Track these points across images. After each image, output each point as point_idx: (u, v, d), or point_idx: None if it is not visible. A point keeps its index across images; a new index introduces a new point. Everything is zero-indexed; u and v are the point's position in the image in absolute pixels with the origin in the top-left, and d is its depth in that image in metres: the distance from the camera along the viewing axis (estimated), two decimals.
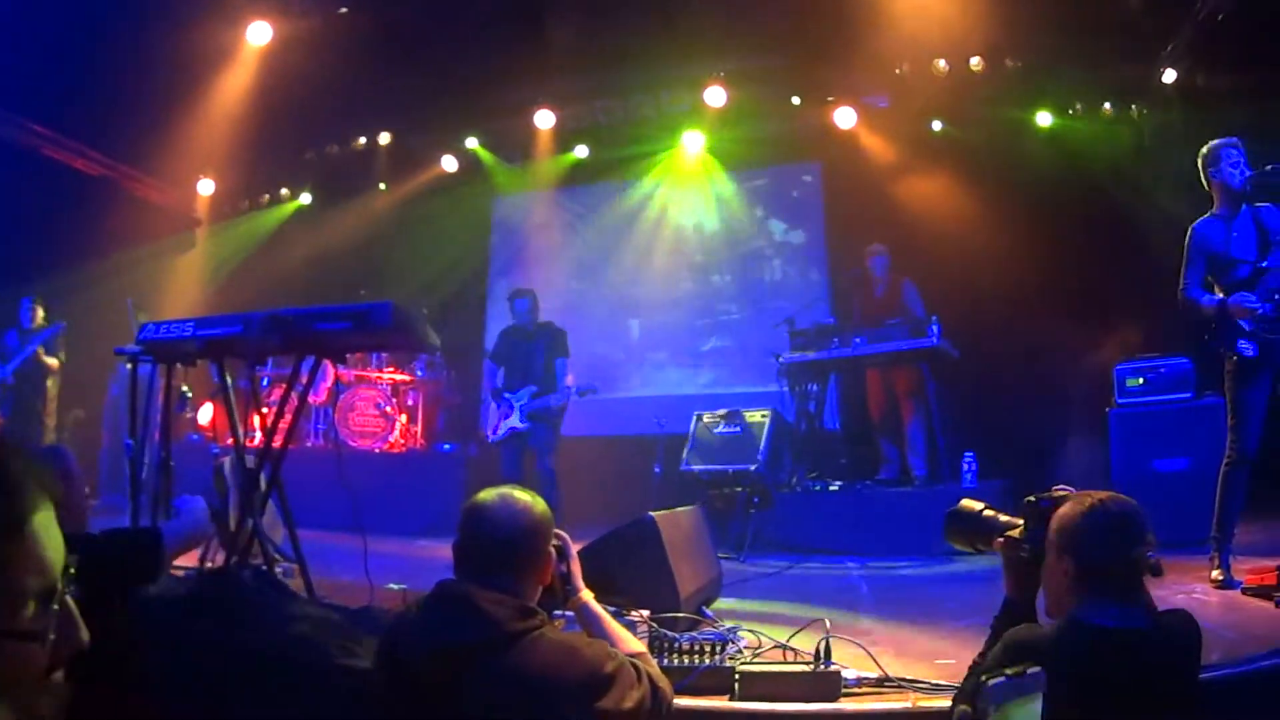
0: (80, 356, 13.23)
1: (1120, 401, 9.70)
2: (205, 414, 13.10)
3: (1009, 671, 1.36)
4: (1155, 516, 8.61)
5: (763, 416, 11.27)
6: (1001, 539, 3.68)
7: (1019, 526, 3.62)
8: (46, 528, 1.54)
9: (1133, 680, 2.96)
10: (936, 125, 14.00)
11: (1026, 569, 3.49)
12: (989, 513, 3.79)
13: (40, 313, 13.07)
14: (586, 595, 3.82)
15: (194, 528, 4.66)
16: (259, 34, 12.41)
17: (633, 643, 3.79)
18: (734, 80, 14.25)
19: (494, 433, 10.96)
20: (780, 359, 11.82)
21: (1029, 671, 1.38)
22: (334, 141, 15.83)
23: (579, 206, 16.95)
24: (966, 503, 3.90)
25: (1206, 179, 7.19)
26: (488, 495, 3.44)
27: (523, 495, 3.46)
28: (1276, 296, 6.76)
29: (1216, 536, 6.90)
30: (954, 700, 3.47)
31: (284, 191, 16.87)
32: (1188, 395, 9.39)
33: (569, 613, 3.90)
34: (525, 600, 3.29)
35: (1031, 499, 3.54)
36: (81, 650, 1.57)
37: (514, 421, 10.73)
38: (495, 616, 3.12)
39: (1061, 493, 3.47)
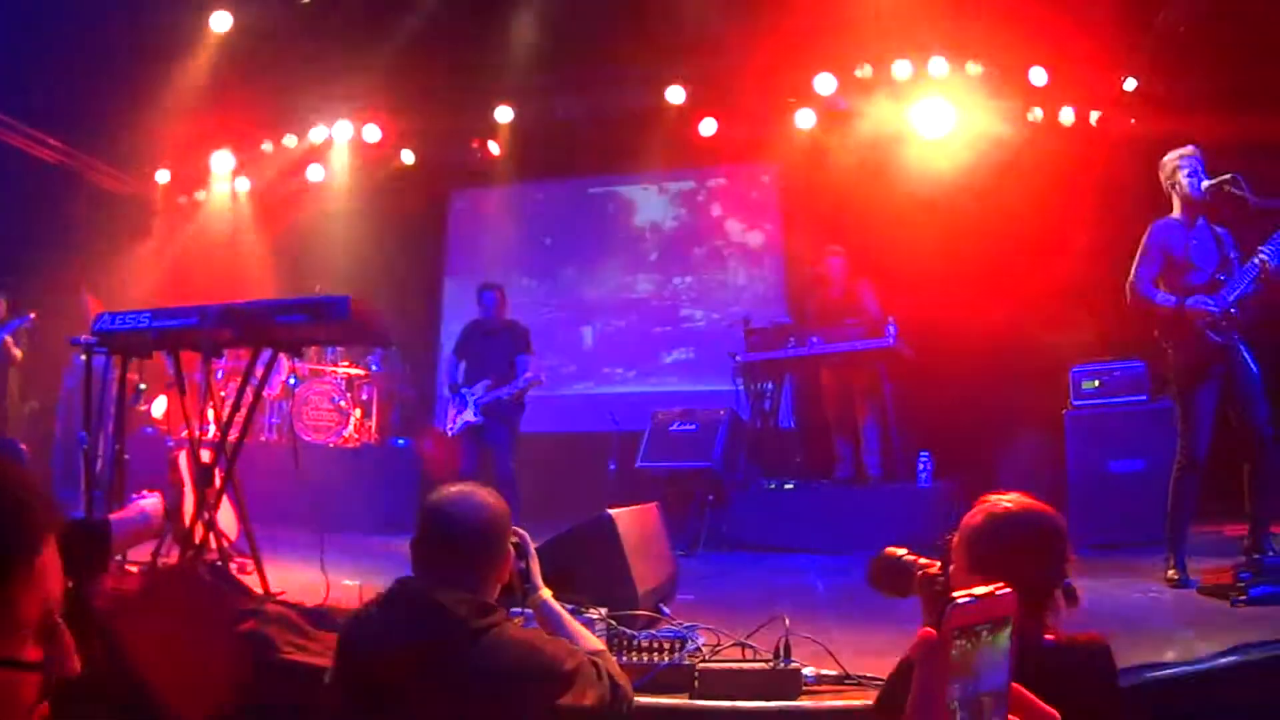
0: (34, 347, 13.12)
1: (1076, 403, 9.78)
2: (159, 407, 13.00)
3: (977, 592, 1.34)
4: (1111, 517, 8.71)
5: (718, 414, 11.29)
6: (920, 575, 3.65)
7: (937, 564, 3.58)
8: (52, 559, 1.56)
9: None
10: (895, 127, 14.02)
11: (944, 602, 3.40)
12: (909, 557, 3.76)
13: (3, 303, 12.96)
14: (546, 593, 3.81)
15: (143, 520, 4.63)
16: (220, 22, 12.35)
17: (592, 640, 3.78)
18: (694, 78, 14.27)
19: (450, 427, 10.92)
20: (736, 358, 11.85)
21: (998, 592, 1.36)
22: (292, 132, 15.73)
23: (536, 203, 16.88)
24: (888, 550, 3.88)
25: (1166, 187, 7.25)
26: (446, 492, 3.42)
27: (481, 492, 3.45)
28: (1232, 310, 6.84)
29: (1171, 538, 6.98)
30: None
31: (242, 182, 16.74)
32: (1142, 397, 9.47)
33: (528, 610, 3.90)
34: (484, 597, 3.28)
35: (949, 536, 3.49)
36: (71, 678, 1.57)
37: (469, 415, 10.68)
38: (454, 614, 3.10)
39: (1006, 500, 3.41)
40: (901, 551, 3.70)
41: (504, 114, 14.98)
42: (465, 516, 3.33)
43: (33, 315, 12.88)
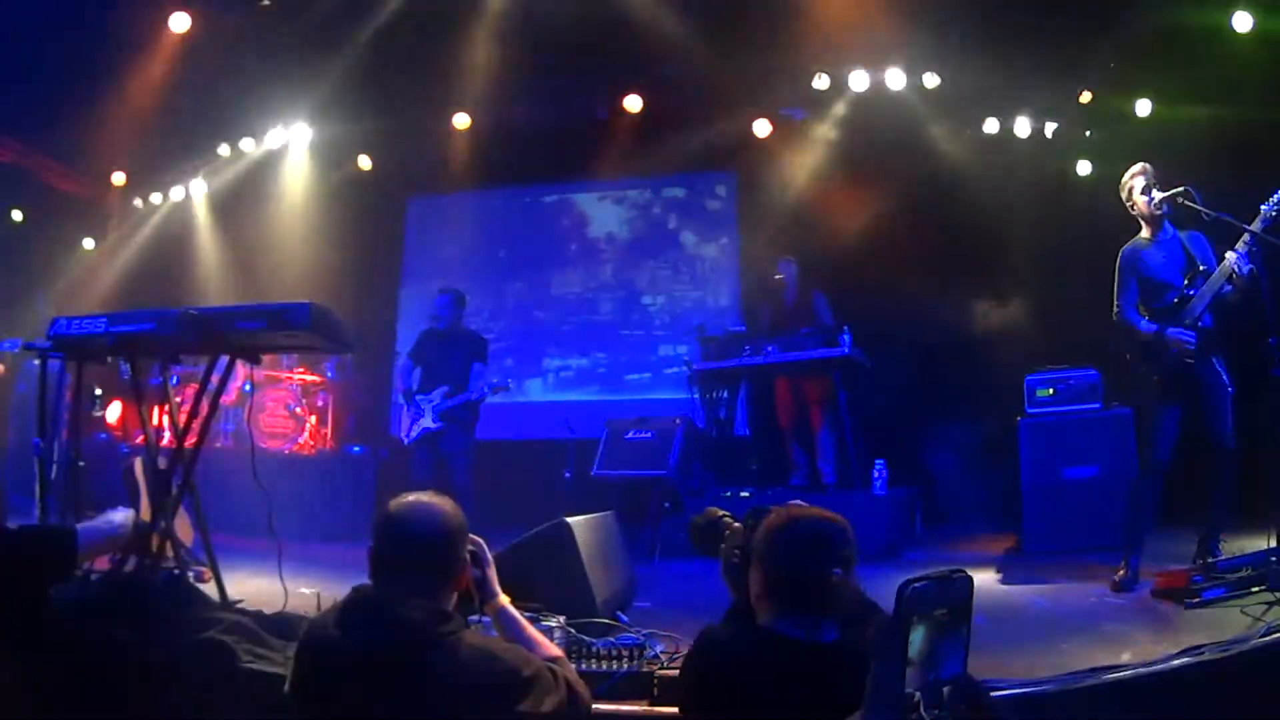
0: None
1: (1030, 411, 9.82)
2: (113, 412, 12.92)
3: (933, 575, 1.36)
4: (1065, 523, 8.79)
5: (673, 423, 11.29)
6: (724, 543, 3.74)
7: (739, 531, 3.67)
8: None
9: (802, 692, 2.99)
10: (852, 138, 14.04)
11: (745, 573, 3.51)
12: (728, 518, 3.85)
13: None
14: (504, 600, 3.82)
15: (110, 532, 4.61)
16: (179, 23, 12.22)
17: (550, 647, 3.80)
18: (652, 87, 14.27)
19: (407, 435, 10.88)
20: (691, 366, 11.89)
21: (954, 576, 1.38)
22: (250, 135, 15.63)
23: (492, 210, 16.85)
24: (709, 510, 3.97)
25: (1127, 206, 7.38)
26: (403, 501, 3.44)
27: (438, 501, 3.47)
28: (1201, 324, 6.96)
29: (1126, 540, 7.08)
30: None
31: (198, 185, 16.63)
32: (1096, 405, 9.54)
33: (486, 618, 3.90)
34: (441, 605, 3.29)
35: (756, 508, 3.57)
36: None
37: (426, 422, 10.63)
38: (411, 621, 3.12)
39: (797, 506, 3.48)
40: (721, 513, 3.80)
41: (462, 120, 14.94)
42: (422, 525, 3.35)
43: (20, 341, 12.92)
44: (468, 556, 3.58)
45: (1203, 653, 4.53)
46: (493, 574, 3.82)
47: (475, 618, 3.96)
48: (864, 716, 1.44)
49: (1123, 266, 7.38)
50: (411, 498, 3.45)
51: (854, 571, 3.29)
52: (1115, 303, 7.38)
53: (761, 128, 14.45)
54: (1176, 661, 4.48)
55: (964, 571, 1.45)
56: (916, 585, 1.40)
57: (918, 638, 1.40)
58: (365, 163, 15.93)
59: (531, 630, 3.83)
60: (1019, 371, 10.13)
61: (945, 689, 1.43)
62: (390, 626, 3.11)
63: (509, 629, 3.75)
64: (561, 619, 4.84)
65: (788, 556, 3.16)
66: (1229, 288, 6.93)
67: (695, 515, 3.99)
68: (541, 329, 16.21)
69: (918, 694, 1.40)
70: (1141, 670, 4.42)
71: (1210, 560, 6.64)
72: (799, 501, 3.52)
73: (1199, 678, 4.38)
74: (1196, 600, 5.96)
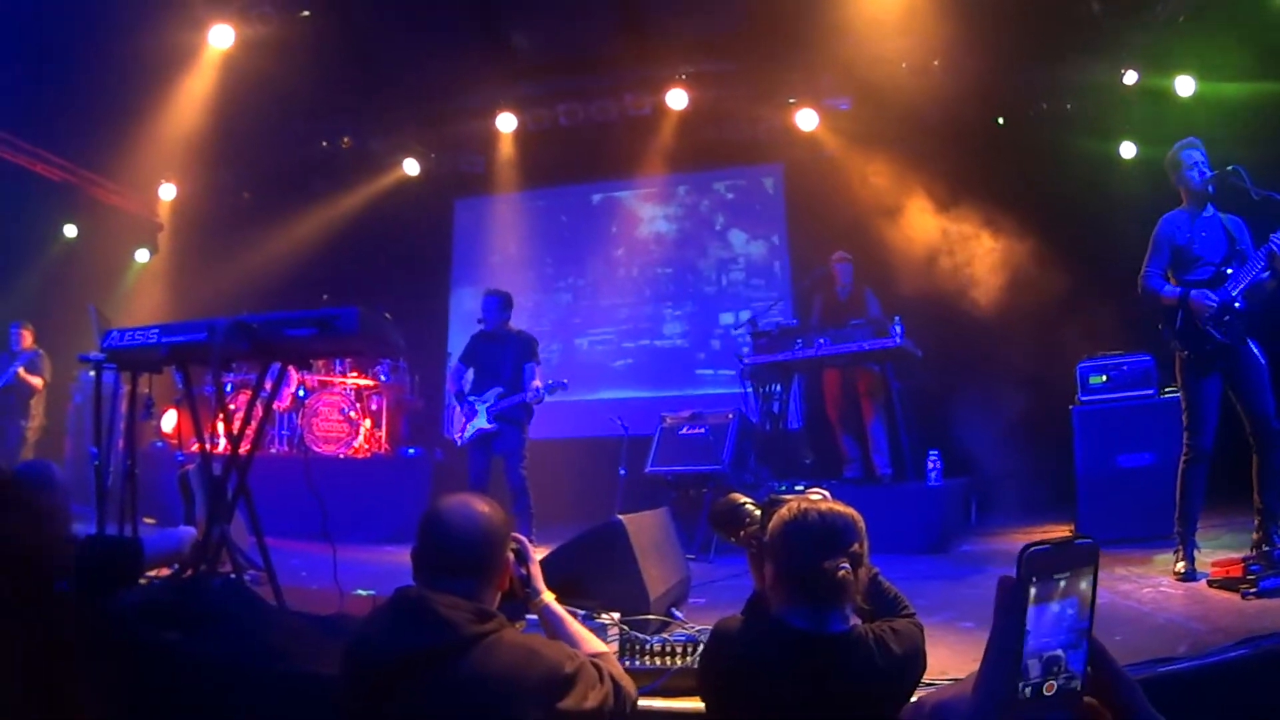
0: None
1: (1083, 398, 9.75)
2: (169, 420, 13.03)
3: (1053, 539, 1.34)
4: (1120, 512, 8.69)
5: (726, 418, 11.27)
6: (744, 532, 3.74)
7: (758, 520, 3.68)
8: None
9: (807, 682, 3.03)
10: (898, 127, 13.99)
11: (760, 562, 3.51)
12: (749, 506, 3.85)
13: (28, 336, 13.44)
14: (548, 597, 3.84)
15: (175, 546, 4.66)
16: (221, 37, 12.30)
17: (595, 643, 3.80)
18: (696, 82, 14.25)
19: (460, 435, 10.87)
20: (744, 360, 11.86)
21: (1076, 541, 1.36)
22: (296, 145, 15.73)
23: (540, 210, 16.91)
24: (731, 495, 3.97)
25: (1173, 179, 7.29)
26: (444, 503, 3.45)
27: (478, 502, 3.47)
28: (1237, 304, 6.85)
29: (1180, 531, 7.00)
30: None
31: (245, 195, 16.76)
32: (1150, 391, 9.45)
33: (533, 616, 3.92)
34: (483, 604, 3.30)
35: (772, 497, 3.57)
36: None
37: (481, 423, 10.61)
38: (452, 620, 3.12)
39: (816, 493, 3.48)
40: (742, 500, 3.81)
41: (507, 122, 14.99)
42: (462, 526, 3.36)
43: (41, 352, 13.25)
44: (510, 556, 3.60)
45: (1261, 645, 4.48)
46: (536, 572, 3.84)
47: (527, 616, 3.99)
48: (979, 682, 1.41)
49: (1159, 233, 7.29)
50: (454, 499, 3.47)
51: (869, 563, 3.33)
52: (1143, 268, 7.29)
53: (807, 119, 14.39)
54: (1233, 653, 4.43)
55: (1088, 537, 1.43)
56: (1035, 549, 1.37)
57: (1036, 603, 1.37)
58: (412, 167, 15.97)
59: (576, 626, 3.83)
60: (1072, 358, 10.07)
61: (1066, 655, 1.39)
62: (430, 626, 3.12)
63: (553, 625, 3.77)
64: (616, 616, 4.84)
65: (794, 549, 3.17)
66: (1267, 275, 6.85)
67: (718, 499, 4.00)
68: (590, 362, 16.18)
69: (1037, 660, 1.37)
70: (1197, 662, 4.37)
71: (1267, 549, 6.56)
72: (822, 492, 3.52)
73: (1256, 669, 4.33)
74: (1254, 590, 5.88)
